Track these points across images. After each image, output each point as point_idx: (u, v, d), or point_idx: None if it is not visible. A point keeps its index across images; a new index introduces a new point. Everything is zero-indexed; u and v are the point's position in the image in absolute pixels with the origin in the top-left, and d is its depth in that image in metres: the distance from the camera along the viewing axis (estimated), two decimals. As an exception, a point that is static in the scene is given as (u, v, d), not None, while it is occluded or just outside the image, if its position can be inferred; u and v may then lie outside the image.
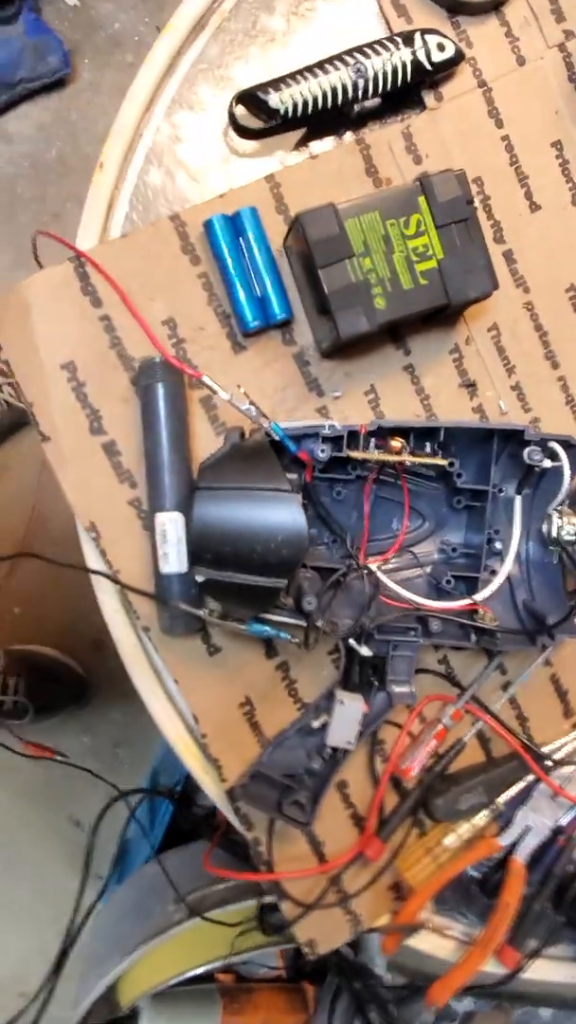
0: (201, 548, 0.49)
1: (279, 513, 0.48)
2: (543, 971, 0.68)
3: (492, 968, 0.66)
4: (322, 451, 0.53)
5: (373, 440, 0.56)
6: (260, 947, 1.04)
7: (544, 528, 0.60)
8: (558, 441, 0.55)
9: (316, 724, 0.58)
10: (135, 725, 1.48)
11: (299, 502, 0.49)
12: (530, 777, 0.65)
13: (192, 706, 0.60)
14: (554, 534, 0.58)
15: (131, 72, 0.61)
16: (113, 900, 1.23)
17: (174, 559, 0.55)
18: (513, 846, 0.65)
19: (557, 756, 0.66)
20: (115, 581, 0.57)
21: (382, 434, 0.56)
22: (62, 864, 1.56)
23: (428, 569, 0.62)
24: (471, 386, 0.65)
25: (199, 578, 0.49)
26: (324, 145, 0.63)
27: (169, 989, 1.06)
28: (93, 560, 0.59)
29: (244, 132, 0.60)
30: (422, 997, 1.00)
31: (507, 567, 0.58)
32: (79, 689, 1.40)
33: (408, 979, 1.07)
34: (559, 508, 0.59)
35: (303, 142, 0.63)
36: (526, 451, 0.56)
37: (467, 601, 0.57)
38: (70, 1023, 1.04)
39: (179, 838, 1.32)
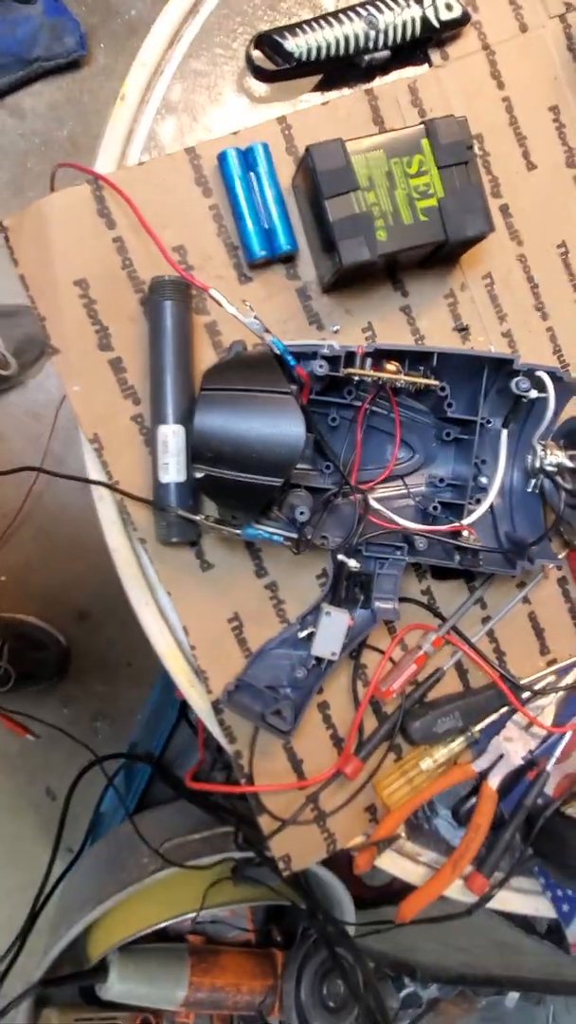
0: (202, 446, 0.51)
1: (278, 415, 0.51)
2: (509, 903, 0.70)
3: (461, 896, 0.68)
4: (320, 366, 0.55)
5: (370, 361, 0.58)
6: (231, 902, 1.06)
7: (528, 460, 0.63)
8: (546, 371, 0.58)
9: (302, 634, 0.60)
10: (115, 698, 1.48)
11: (297, 404, 0.52)
12: (505, 708, 0.67)
13: (183, 618, 0.62)
14: (537, 465, 0.61)
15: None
16: (86, 857, 1.24)
17: (174, 468, 0.58)
18: (486, 773, 0.67)
19: (535, 688, 0.68)
20: (114, 489, 0.60)
21: (378, 358, 0.59)
22: (34, 836, 1.55)
23: (417, 499, 0.65)
24: (464, 330, 0.68)
25: (198, 474, 0.52)
26: (336, 94, 0.66)
27: (139, 947, 1.07)
28: (95, 472, 0.61)
29: (260, 74, 0.63)
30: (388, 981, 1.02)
31: (492, 495, 0.61)
32: (62, 659, 1.41)
33: (376, 963, 1.09)
34: (543, 441, 0.61)
35: (316, 90, 0.66)
36: (514, 381, 0.58)
37: (454, 524, 0.59)
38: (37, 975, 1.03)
39: (160, 803, 1.32)
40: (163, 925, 1.02)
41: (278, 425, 0.51)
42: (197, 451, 0.51)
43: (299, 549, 0.55)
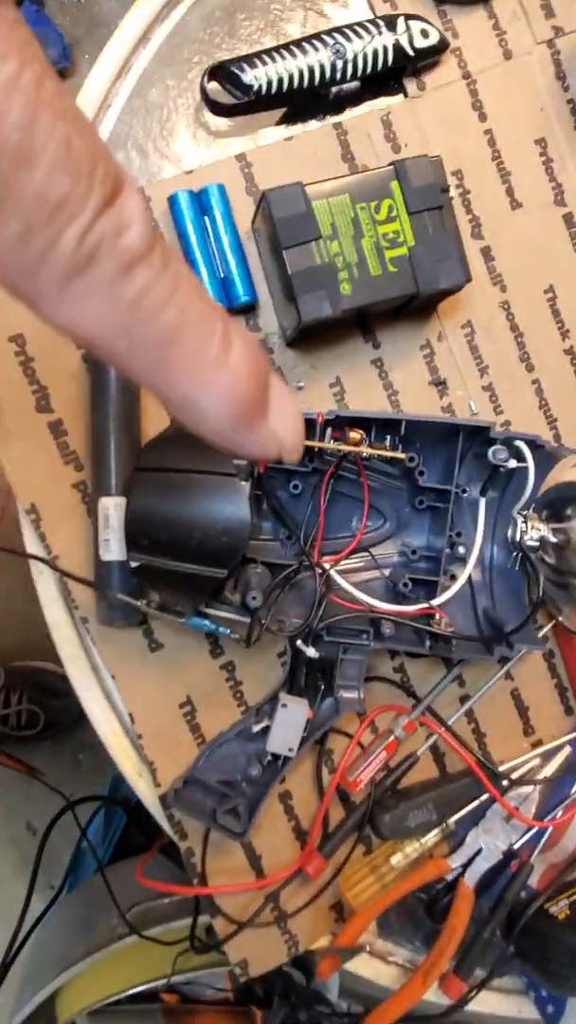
0: (137, 532, 0.46)
1: (221, 499, 0.45)
2: (490, 1003, 0.65)
3: (436, 998, 0.63)
4: (274, 437, 0.50)
5: (330, 430, 0.53)
6: (203, 967, 1.00)
7: (509, 533, 0.58)
8: (524, 441, 0.53)
9: (257, 728, 0.55)
10: (99, 731, 1.44)
11: (243, 488, 0.46)
12: (484, 796, 0.62)
13: (128, 704, 0.57)
14: (517, 539, 0.56)
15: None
16: (58, 911, 1.19)
17: (116, 546, 0.52)
18: (463, 868, 0.62)
19: (514, 775, 0.63)
20: (52, 566, 0.54)
21: (341, 424, 0.53)
22: (13, 872, 1.51)
23: (387, 572, 0.59)
24: (441, 384, 0.62)
25: (133, 564, 0.46)
26: (301, 128, 0.61)
27: (110, 1008, 1.02)
28: (31, 544, 0.56)
29: (217, 108, 0.58)
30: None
31: (467, 572, 0.55)
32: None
33: (363, 1006, 1.03)
34: (523, 512, 0.56)
35: (279, 124, 0.61)
36: (491, 450, 0.53)
37: (422, 605, 0.54)
38: (3, 1038, 0.99)
39: (137, 849, 1.27)
40: (133, 992, 0.97)
41: (221, 511, 0.45)
42: (132, 538, 0.46)
43: (250, 643, 0.50)
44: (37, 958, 1.10)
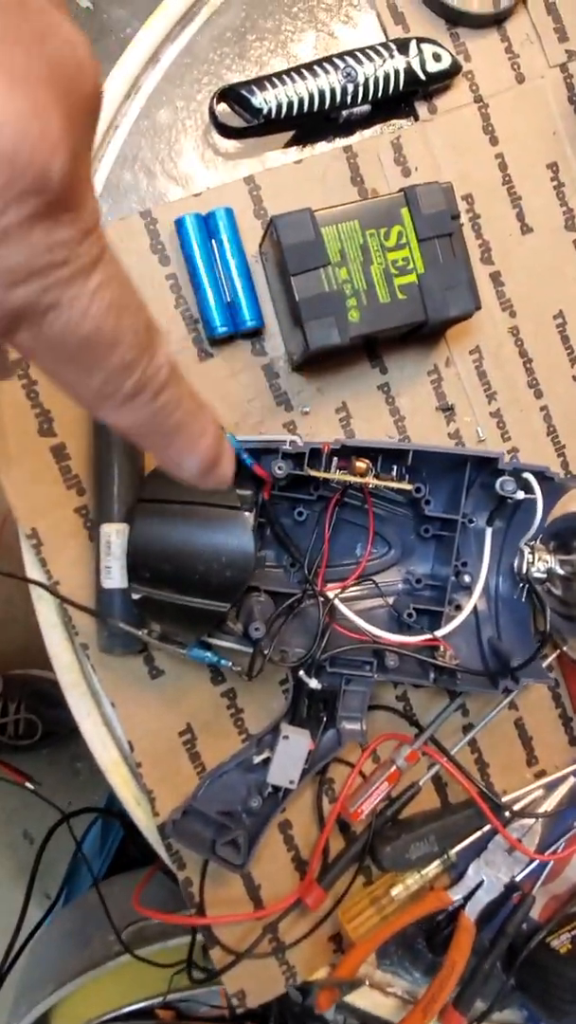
0: (139, 564, 0.45)
1: (225, 532, 0.45)
2: (489, 1037, 0.64)
3: (435, 1031, 0.62)
4: (280, 468, 0.49)
5: (336, 460, 0.52)
6: (199, 985, 1.00)
7: (515, 564, 0.57)
8: (532, 472, 0.52)
9: (257, 759, 0.54)
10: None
11: (248, 521, 0.46)
12: (486, 827, 0.61)
13: (128, 732, 0.56)
14: (524, 570, 0.55)
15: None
16: (54, 923, 1.18)
17: (117, 574, 0.52)
18: (464, 901, 0.61)
19: (517, 807, 0.62)
20: (52, 592, 0.54)
21: (347, 453, 0.53)
22: (10, 880, 1.50)
23: (391, 600, 0.59)
24: (448, 410, 0.62)
25: (135, 596, 0.46)
26: (310, 151, 0.60)
27: None
28: (32, 569, 0.55)
29: (225, 131, 0.57)
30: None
31: (472, 602, 0.54)
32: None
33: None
34: (531, 543, 0.55)
35: (289, 146, 0.60)
36: (498, 481, 0.52)
37: (427, 636, 0.53)
38: (-4, 1054, 0.98)
39: (134, 862, 1.26)
40: (129, 1010, 0.96)
41: (225, 544, 0.45)
42: (133, 570, 0.45)
43: (252, 677, 0.49)
44: (32, 971, 1.09)
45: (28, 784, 1.33)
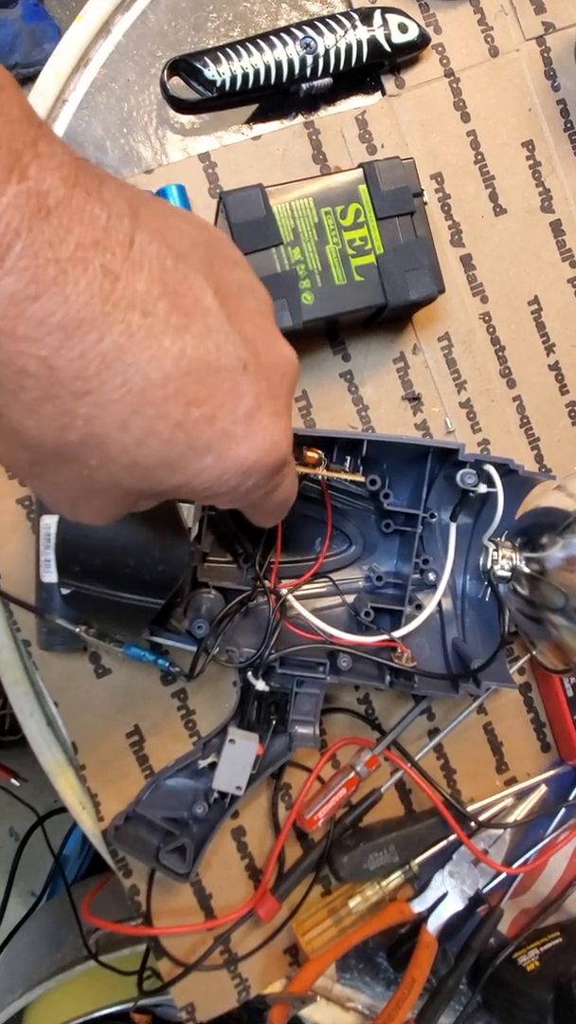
0: (68, 557, 0.42)
1: (159, 525, 0.42)
2: (455, 1056, 0.61)
3: (397, 1049, 0.59)
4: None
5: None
6: (150, 996, 0.98)
7: (480, 561, 0.54)
8: (495, 464, 0.49)
9: (203, 763, 0.52)
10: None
11: (182, 513, 0.43)
12: (452, 837, 0.58)
13: (71, 733, 0.54)
14: (487, 567, 0.52)
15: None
16: (31, 924, 1.16)
17: (56, 566, 0.49)
18: (428, 913, 0.58)
19: (484, 816, 0.59)
20: (-9, 586, 0.51)
21: (299, 444, 0.50)
22: (-8, 878, 1.49)
23: (350, 599, 0.56)
24: (415, 399, 0.59)
25: (63, 591, 0.43)
26: (271, 127, 0.58)
27: (78, 1028, 0.99)
28: (-26, 561, 0.53)
29: (179, 105, 0.55)
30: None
31: (434, 602, 0.52)
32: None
33: None
34: (495, 540, 0.52)
35: (250, 122, 0.57)
36: (459, 474, 0.49)
37: (383, 637, 0.51)
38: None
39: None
40: (101, 1014, 0.94)
41: (159, 538, 0.42)
42: (62, 563, 0.43)
43: (192, 676, 0.47)
44: (6, 971, 1.08)
45: (13, 780, 1.31)
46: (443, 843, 0.58)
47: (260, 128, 0.57)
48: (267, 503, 0.28)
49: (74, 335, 0.20)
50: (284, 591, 0.52)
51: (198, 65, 0.53)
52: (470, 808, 0.59)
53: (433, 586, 0.55)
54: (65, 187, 0.20)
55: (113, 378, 0.21)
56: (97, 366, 0.20)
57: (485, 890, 0.59)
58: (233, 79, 0.53)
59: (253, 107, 0.57)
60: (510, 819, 0.59)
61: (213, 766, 0.51)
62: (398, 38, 0.56)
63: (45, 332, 0.19)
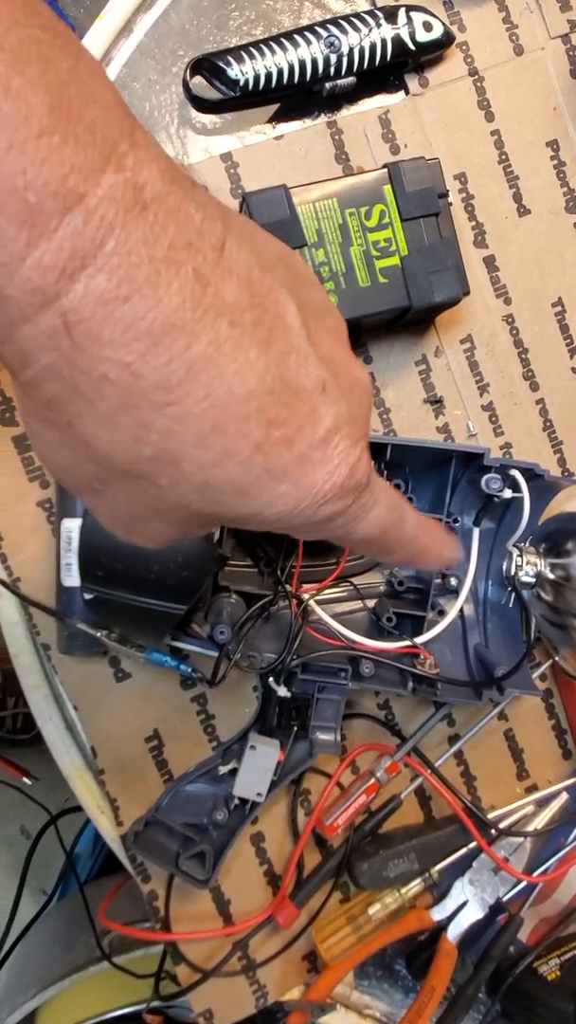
0: (91, 562, 0.42)
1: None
2: (473, 1064, 0.61)
3: (415, 1057, 0.59)
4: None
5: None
6: (167, 1000, 0.97)
7: (504, 566, 0.54)
8: (520, 469, 0.49)
9: (224, 770, 0.51)
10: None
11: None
12: (472, 845, 0.58)
13: (90, 737, 0.54)
14: (511, 573, 0.52)
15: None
16: (42, 925, 1.16)
17: (77, 571, 0.49)
18: (447, 921, 0.58)
19: (504, 824, 0.59)
20: (11, 591, 0.51)
21: (321, 447, 0.49)
22: (4, 876, 1.50)
23: (371, 604, 0.55)
24: (437, 403, 0.58)
25: (87, 596, 0.43)
26: (293, 126, 0.57)
27: (91, 1028, 0.99)
28: (-7, 564, 0.53)
29: (201, 104, 0.54)
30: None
31: (457, 608, 0.51)
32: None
33: None
34: (519, 545, 0.52)
35: (272, 121, 0.57)
36: (484, 479, 0.49)
37: (405, 643, 0.50)
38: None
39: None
40: (114, 1015, 0.94)
41: (181, 543, 0.42)
42: (85, 568, 0.43)
43: (214, 682, 0.47)
44: (19, 972, 1.08)
45: (26, 779, 1.31)
46: (463, 851, 0.58)
47: (282, 128, 0.57)
48: (352, 536, 0.27)
49: (162, 341, 0.18)
50: (306, 596, 0.51)
51: (221, 64, 0.52)
52: (490, 815, 0.58)
53: (455, 591, 0.55)
54: (163, 182, 0.18)
55: (197, 390, 0.19)
56: (182, 376, 0.19)
57: (505, 898, 0.58)
58: (256, 78, 0.52)
59: (275, 107, 0.57)
60: (531, 827, 0.59)
61: (233, 772, 0.51)
62: (422, 36, 0.55)
63: (133, 337, 0.18)
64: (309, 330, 0.22)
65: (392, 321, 0.55)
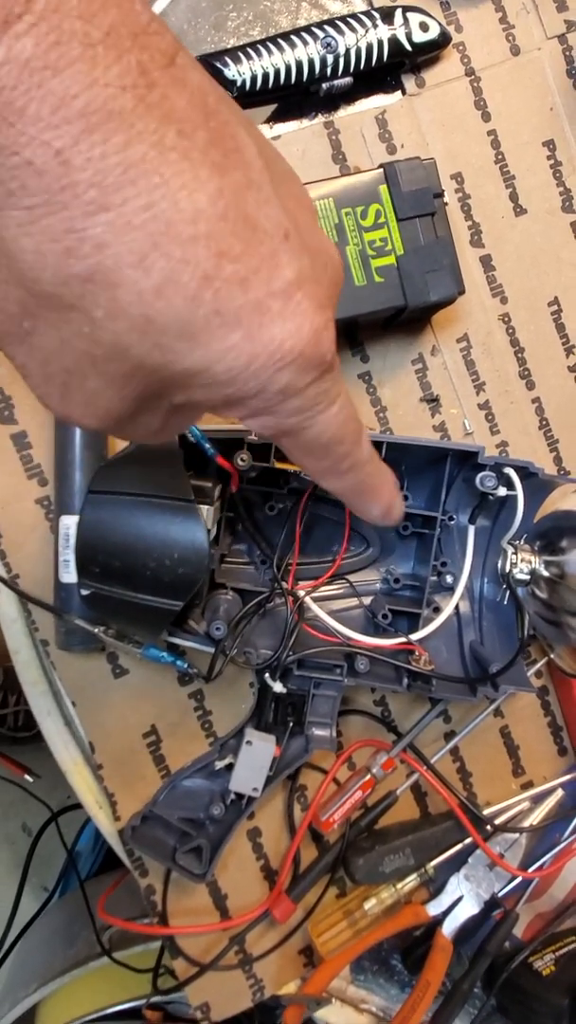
0: (88, 559, 0.43)
1: (178, 527, 0.42)
2: (469, 1059, 0.61)
3: (411, 1051, 0.59)
4: (242, 460, 0.47)
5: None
6: (165, 994, 0.98)
7: (499, 564, 0.54)
8: (514, 467, 0.49)
9: (220, 765, 0.52)
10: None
11: (202, 515, 0.43)
12: (467, 840, 0.58)
13: (89, 733, 0.54)
14: (506, 571, 0.52)
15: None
16: (43, 921, 1.17)
17: (75, 567, 0.49)
18: (443, 916, 0.58)
19: (500, 820, 0.59)
20: (10, 587, 0.52)
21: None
22: (6, 873, 1.50)
23: (367, 600, 0.56)
24: (433, 401, 0.59)
25: (83, 592, 0.43)
26: (290, 126, 0.57)
27: (90, 1023, 1.00)
28: (-8, 561, 0.53)
29: (199, 104, 0.55)
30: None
31: (452, 605, 0.51)
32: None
33: None
34: (514, 543, 0.52)
35: (269, 122, 0.57)
36: (479, 476, 0.49)
37: (400, 639, 0.50)
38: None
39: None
40: (114, 1010, 0.95)
41: (177, 540, 0.42)
42: (82, 565, 0.43)
43: (210, 678, 0.47)
44: (20, 967, 1.08)
45: (27, 776, 1.32)
46: (459, 846, 0.58)
47: (280, 128, 0.57)
48: (305, 433, 0.24)
49: (97, 130, 0.16)
50: (302, 593, 0.52)
51: (218, 64, 0.53)
52: (486, 811, 0.59)
53: (451, 589, 0.55)
54: None
55: (136, 197, 0.17)
56: (118, 176, 0.16)
57: (500, 894, 0.59)
58: (253, 78, 0.53)
59: (272, 107, 0.57)
60: (526, 823, 0.59)
61: (230, 767, 0.51)
62: (419, 37, 0.55)
63: (63, 118, 0.15)
64: (272, 177, 0.20)
65: (388, 320, 0.56)
